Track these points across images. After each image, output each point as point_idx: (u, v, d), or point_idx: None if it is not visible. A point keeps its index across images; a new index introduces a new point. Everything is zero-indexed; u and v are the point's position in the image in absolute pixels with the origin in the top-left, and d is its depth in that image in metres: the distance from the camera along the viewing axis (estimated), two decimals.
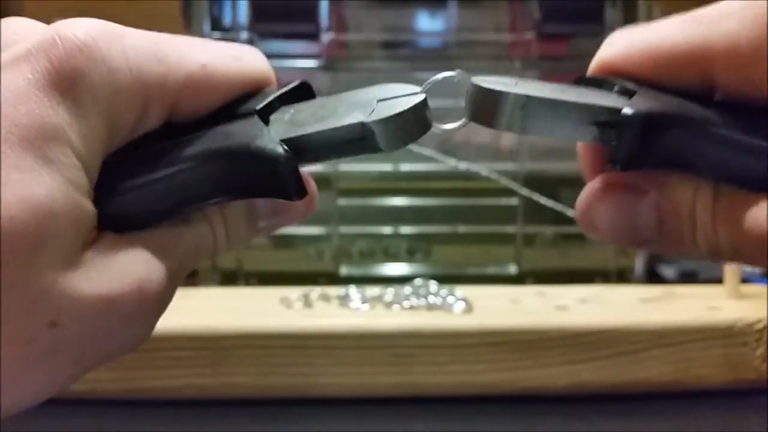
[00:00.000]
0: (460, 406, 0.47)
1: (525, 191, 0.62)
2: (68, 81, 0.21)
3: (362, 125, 0.23)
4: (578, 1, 0.67)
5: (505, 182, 0.62)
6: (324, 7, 0.67)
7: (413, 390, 0.47)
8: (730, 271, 0.53)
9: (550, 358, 0.47)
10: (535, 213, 0.67)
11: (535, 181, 0.65)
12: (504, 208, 0.68)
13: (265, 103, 0.25)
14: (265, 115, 0.24)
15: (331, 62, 0.68)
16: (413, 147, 0.61)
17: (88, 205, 0.22)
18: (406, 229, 0.69)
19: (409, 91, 0.24)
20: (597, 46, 0.26)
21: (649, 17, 0.65)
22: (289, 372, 0.46)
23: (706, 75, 0.23)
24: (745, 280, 0.56)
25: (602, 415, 0.47)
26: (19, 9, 0.79)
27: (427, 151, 0.61)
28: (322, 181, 0.68)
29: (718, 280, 0.55)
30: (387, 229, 0.69)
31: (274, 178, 0.23)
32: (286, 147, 0.23)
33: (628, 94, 0.24)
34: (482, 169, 0.62)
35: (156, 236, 0.23)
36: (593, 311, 0.50)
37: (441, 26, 0.70)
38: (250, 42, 0.66)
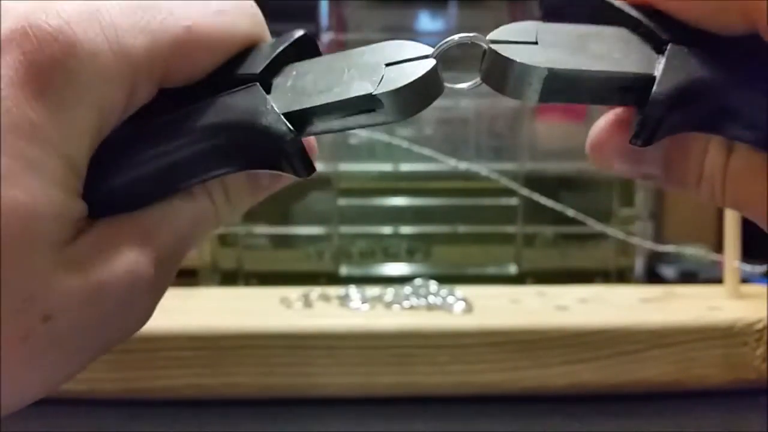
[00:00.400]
0: (460, 406, 0.47)
1: (525, 191, 0.62)
2: (45, 73, 0.20)
3: (371, 97, 0.22)
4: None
5: (505, 182, 0.62)
6: (324, 7, 0.67)
7: (413, 390, 0.47)
8: (730, 271, 0.53)
9: (550, 358, 0.46)
10: (535, 213, 0.67)
11: (535, 181, 0.65)
12: (504, 208, 0.68)
13: (264, 65, 0.23)
14: (266, 78, 0.23)
15: None
16: (413, 147, 0.61)
17: (73, 201, 0.21)
18: (406, 229, 0.69)
19: (420, 53, 0.23)
20: None
21: None
22: (289, 372, 0.46)
23: (750, 21, 0.21)
24: (745, 280, 0.56)
25: (602, 415, 0.47)
26: None
27: (427, 151, 0.61)
28: (323, 181, 0.68)
29: (718, 280, 0.55)
30: (387, 229, 0.69)
31: (280, 156, 0.22)
32: (291, 126, 0.22)
33: (655, 42, 0.23)
34: (482, 169, 0.62)
35: (150, 216, 0.23)
36: (593, 311, 0.50)
37: (441, 26, 0.70)
38: None
